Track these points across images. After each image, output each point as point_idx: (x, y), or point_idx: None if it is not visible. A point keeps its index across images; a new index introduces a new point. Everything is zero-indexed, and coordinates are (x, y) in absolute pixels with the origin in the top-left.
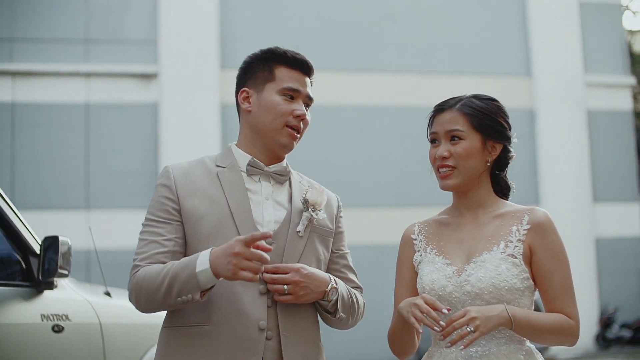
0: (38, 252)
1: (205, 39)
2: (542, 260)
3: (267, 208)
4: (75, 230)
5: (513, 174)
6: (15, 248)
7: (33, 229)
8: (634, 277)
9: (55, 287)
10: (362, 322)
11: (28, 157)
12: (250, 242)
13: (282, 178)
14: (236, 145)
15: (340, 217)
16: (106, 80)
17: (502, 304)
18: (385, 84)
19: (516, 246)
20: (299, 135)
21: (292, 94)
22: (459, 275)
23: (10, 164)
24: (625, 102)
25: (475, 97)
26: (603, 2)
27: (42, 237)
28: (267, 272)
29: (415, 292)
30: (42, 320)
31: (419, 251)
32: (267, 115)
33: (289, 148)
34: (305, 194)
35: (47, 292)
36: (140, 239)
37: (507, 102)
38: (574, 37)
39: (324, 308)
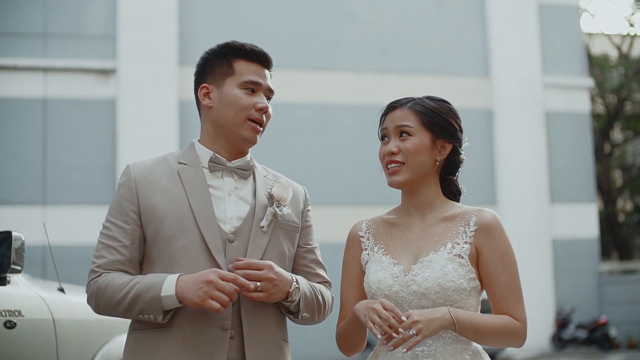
0: None
1: (164, 35)
2: (489, 261)
3: (230, 204)
4: (31, 225)
5: (470, 174)
6: None
7: None
8: (590, 278)
9: (8, 282)
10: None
11: None
12: (227, 278)
13: (245, 173)
14: (199, 141)
15: (308, 210)
16: (64, 75)
17: (446, 307)
18: (344, 82)
19: (463, 247)
20: (261, 129)
21: (252, 87)
22: (406, 275)
23: None
24: (583, 103)
25: (428, 97)
26: (562, 4)
27: None
28: (239, 268)
29: (362, 290)
30: None
31: (366, 250)
32: (228, 110)
33: (252, 142)
34: (271, 189)
35: None
36: (99, 241)
37: (466, 102)
38: (532, 38)
39: (286, 309)
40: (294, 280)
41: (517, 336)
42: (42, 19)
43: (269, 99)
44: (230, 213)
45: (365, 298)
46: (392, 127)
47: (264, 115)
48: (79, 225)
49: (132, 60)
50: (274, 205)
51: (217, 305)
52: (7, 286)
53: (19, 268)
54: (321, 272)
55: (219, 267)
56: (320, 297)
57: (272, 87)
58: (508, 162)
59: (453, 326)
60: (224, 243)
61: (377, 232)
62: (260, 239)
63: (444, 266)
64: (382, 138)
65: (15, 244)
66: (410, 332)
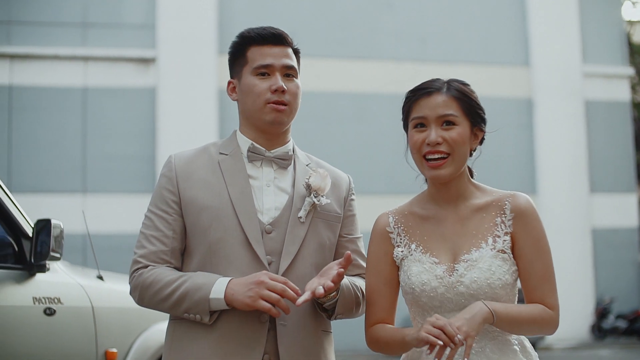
0: (31, 235)
1: (203, 24)
2: (524, 249)
3: (268, 194)
4: (71, 213)
5: (510, 163)
6: (7, 231)
7: (29, 212)
8: (630, 268)
9: (48, 270)
10: None
11: (25, 141)
12: (277, 280)
13: (284, 162)
14: (239, 130)
15: (352, 200)
16: (104, 64)
17: (479, 301)
18: (382, 71)
19: (504, 240)
20: (285, 107)
21: (265, 71)
22: (450, 276)
23: (7, 147)
24: (623, 92)
25: (455, 80)
26: None
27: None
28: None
29: (394, 287)
30: (34, 303)
31: (399, 246)
32: (248, 99)
33: (277, 122)
34: (308, 179)
35: (39, 275)
36: (141, 232)
37: (505, 91)
38: (572, 27)
39: (320, 306)
40: (354, 288)
41: (551, 324)
42: (82, 8)
43: (290, 76)
44: (268, 204)
45: (397, 294)
46: (433, 116)
47: (284, 95)
48: (118, 214)
49: (172, 49)
50: (312, 195)
51: (268, 305)
52: (47, 273)
53: (58, 255)
54: (362, 263)
55: (257, 258)
56: (359, 294)
57: (291, 64)
58: (548, 152)
59: (491, 318)
60: (262, 234)
61: (408, 226)
62: (298, 229)
63: (490, 265)
64: (417, 126)
65: (54, 232)
66: (458, 338)
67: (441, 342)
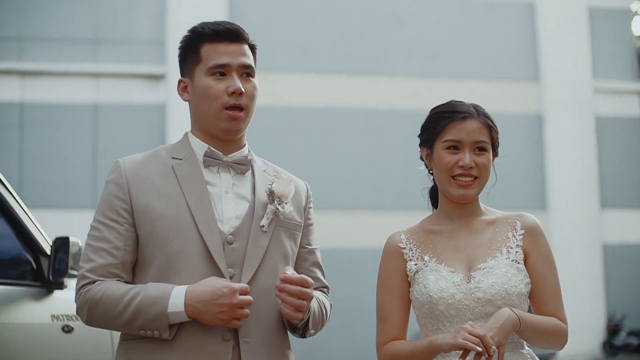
0: (48, 252)
1: None
2: (536, 264)
3: (227, 202)
4: (82, 229)
5: (520, 179)
6: (25, 248)
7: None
8: None
9: (65, 287)
10: (364, 323)
11: (36, 156)
12: (242, 291)
13: (243, 168)
14: (191, 132)
15: (310, 207)
16: (114, 80)
17: (506, 307)
18: (393, 87)
19: (517, 252)
20: (242, 114)
21: (221, 70)
22: (468, 283)
23: (19, 163)
24: (633, 108)
25: (479, 107)
26: (612, 7)
27: (50, 236)
28: (286, 282)
29: (407, 304)
30: (52, 320)
31: (411, 260)
32: (202, 103)
33: (234, 130)
34: (271, 185)
35: (57, 292)
36: (87, 244)
37: (515, 107)
38: (582, 42)
39: (292, 326)
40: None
41: (563, 337)
42: (92, 25)
43: (249, 75)
44: (228, 212)
45: (409, 311)
46: (469, 141)
47: (241, 97)
48: None
49: None
50: (275, 202)
51: (240, 323)
52: (65, 290)
53: (76, 273)
54: (321, 275)
55: (219, 270)
56: (324, 311)
57: (248, 62)
58: (558, 168)
59: (518, 325)
60: (223, 245)
61: (420, 241)
62: (260, 239)
63: (506, 272)
64: (450, 147)
65: (72, 249)
66: (492, 350)
67: (480, 349)
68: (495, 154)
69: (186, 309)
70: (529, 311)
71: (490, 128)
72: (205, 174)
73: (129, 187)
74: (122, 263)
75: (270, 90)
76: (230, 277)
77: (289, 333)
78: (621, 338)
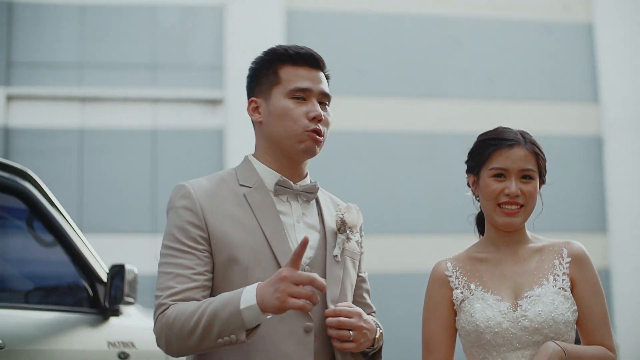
0: (104, 279)
1: None
2: (583, 292)
3: (300, 232)
4: (142, 254)
5: (580, 201)
6: (82, 275)
7: (99, 253)
8: None
9: (121, 314)
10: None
11: (95, 182)
12: (296, 260)
13: (310, 196)
14: (254, 156)
15: (362, 236)
16: (172, 105)
17: (549, 341)
18: (450, 110)
19: (564, 279)
20: (321, 138)
21: (302, 95)
22: (515, 311)
23: (78, 189)
24: None
25: (527, 133)
26: None
27: (109, 262)
28: (327, 316)
29: (453, 332)
30: (108, 347)
31: (457, 288)
32: (280, 124)
33: (311, 153)
34: (343, 215)
35: (113, 319)
36: (161, 272)
37: (574, 128)
38: None
39: (364, 353)
40: (379, 326)
41: None
42: (151, 50)
43: (324, 104)
44: None
45: (454, 341)
46: (515, 169)
47: (319, 124)
48: None
49: (239, 90)
50: (347, 232)
51: (300, 302)
52: (120, 317)
53: (132, 300)
54: (370, 301)
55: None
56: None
57: (326, 91)
58: (619, 190)
59: (564, 358)
60: None
61: (466, 269)
62: (336, 270)
63: (553, 300)
64: (497, 175)
65: (128, 277)
66: None
67: None
68: (542, 182)
69: (257, 300)
70: (577, 339)
71: (537, 156)
72: (276, 202)
73: (204, 214)
74: (203, 287)
75: None
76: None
77: None
78: None
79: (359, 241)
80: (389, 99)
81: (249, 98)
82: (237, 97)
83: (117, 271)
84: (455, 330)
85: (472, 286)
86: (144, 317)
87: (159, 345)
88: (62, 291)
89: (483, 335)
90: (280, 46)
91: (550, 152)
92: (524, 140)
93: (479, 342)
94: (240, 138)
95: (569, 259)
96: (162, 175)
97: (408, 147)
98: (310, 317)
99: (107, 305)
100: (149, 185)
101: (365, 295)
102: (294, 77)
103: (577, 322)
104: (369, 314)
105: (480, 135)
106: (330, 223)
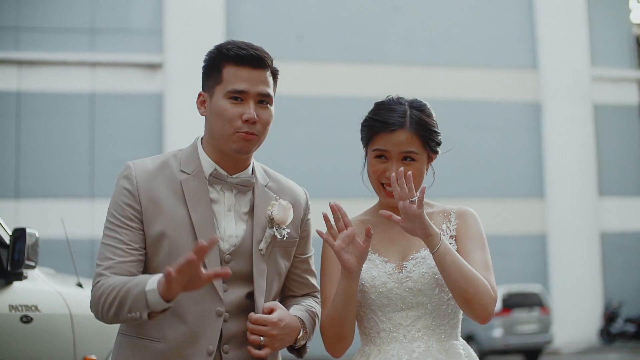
0: (8, 243)
1: (210, 29)
2: (463, 242)
3: (229, 221)
4: (80, 219)
5: (518, 167)
6: None
7: (38, 217)
8: (638, 272)
9: (25, 278)
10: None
11: (33, 146)
12: (199, 251)
13: (244, 189)
14: (201, 143)
15: (308, 219)
16: (111, 69)
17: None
18: (391, 75)
19: (450, 243)
20: (255, 136)
21: (238, 96)
22: (400, 272)
23: (15, 153)
24: (631, 96)
25: (416, 108)
26: None
27: (46, 226)
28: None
29: None
30: (10, 310)
31: None
32: (217, 122)
33: (244, 152)
34: (272, 212)
35: (16, 283)
36: (103, 244)
37: (513, 95)
38: (581, 30)
39: (289, 348)
40: (302, 326)
41: (486, 297)
42: (90, 14)
43: (265, 103)
44: (229, 231)
45: None
46: (395, 152)
47: (254, 126)
48: None
49: (179, 55)
50: (274, 228)
51: (205, 276)
52: (24, 281)
53: (32, 264)
54: (313, 280)
55: (213, 286)
56: (316, 321)
57: (266, 91)
58: (556, 156)
59: (438, 239)
60: (221, 263)
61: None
62: (260, 263)
63: None
64: (378, 156)
65: (29, 240)
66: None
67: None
68: (433, 156)
69: (158, 286)
70: (465, 320)
71: (422, 137)
72: (211, 191)
73: (140, 197)
74: (138, 262)
75: None
76: (225, 292)
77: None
78: (618, 325)
79: (300, 225)
80: (329, 64)
81: (201, 90)
82: (176, 62)
83: (19, 235)
84: None
85: None
86: (49, 280)
87: (92, 311)
88: None
89: (368, 294)
90: (229, 43)
91: (489, 119)
92: (410, 121)
93: (365, 301)
94: (179, 102)
95: (457, 221)
96: (100, 139)
97: (347, 112)
98: (222, 302)
99: (9, 269)
100: (87, 150)
101: (305, 274)
102: (234, 78)
103: None
104: (309, 293)
105: (373, 108)
106: (261, 216)
